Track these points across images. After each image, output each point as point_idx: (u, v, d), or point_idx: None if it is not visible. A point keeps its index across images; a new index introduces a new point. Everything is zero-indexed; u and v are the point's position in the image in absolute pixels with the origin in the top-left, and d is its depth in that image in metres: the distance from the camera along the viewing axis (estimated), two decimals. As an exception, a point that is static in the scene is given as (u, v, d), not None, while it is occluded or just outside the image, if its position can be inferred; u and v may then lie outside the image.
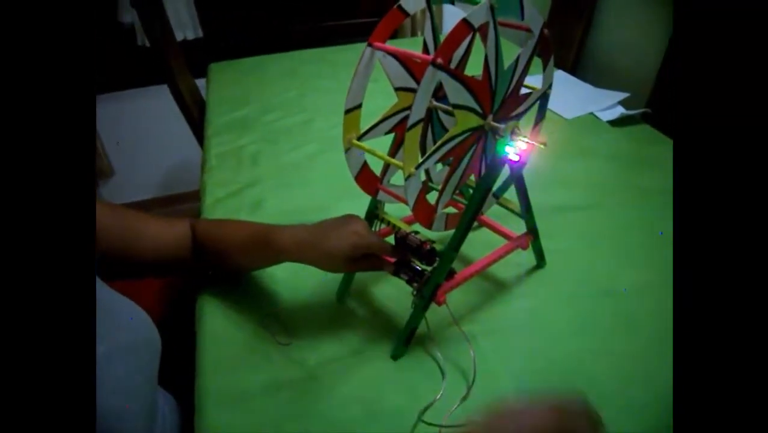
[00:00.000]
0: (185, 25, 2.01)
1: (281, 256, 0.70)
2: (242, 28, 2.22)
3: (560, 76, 1.49)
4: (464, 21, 0.52)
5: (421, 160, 0.56)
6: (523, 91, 0.65)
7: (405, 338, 0.66)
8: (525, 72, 0.62)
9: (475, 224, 0.80)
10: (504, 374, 0.65)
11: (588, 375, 0.65)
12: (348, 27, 2.19)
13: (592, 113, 1.29)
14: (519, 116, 0.65)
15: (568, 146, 1.16)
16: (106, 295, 0.61)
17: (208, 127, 1.35)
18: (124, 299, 0.63)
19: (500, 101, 0.60)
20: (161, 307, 0.97)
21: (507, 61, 0.59)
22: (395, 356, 0.67)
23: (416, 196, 0.58)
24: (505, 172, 0.68)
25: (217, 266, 0.77)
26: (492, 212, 0.78)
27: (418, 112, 0.52)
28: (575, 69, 1.76)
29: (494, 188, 0.73)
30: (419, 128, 0.53)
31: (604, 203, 0.96)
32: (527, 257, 0.80)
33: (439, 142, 0.56)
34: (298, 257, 0.68)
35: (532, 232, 0.74)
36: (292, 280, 0.79)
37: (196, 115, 1.63)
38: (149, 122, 2.19)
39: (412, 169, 0.55)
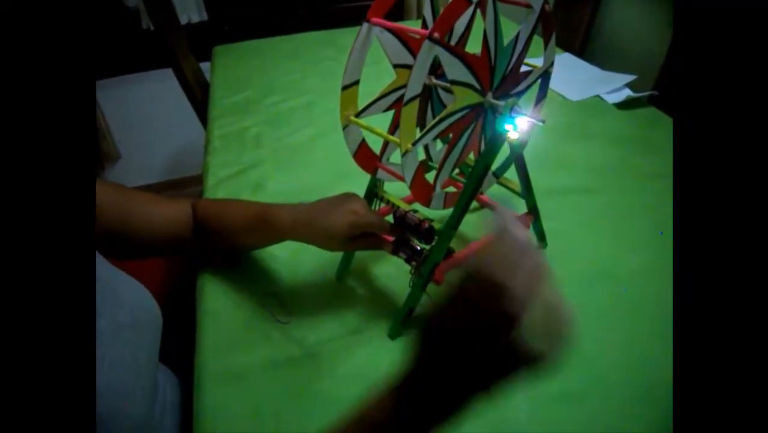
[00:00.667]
0: (190, 9, 2.00)
1: (280, 234, 0.69)
2: (247, 11, 2.20)
3: (567, 58, 1.48)
4: (462, -6, 0.51)
5: (418, 136, 0.55)
6: (525, 69, 0.64)
7: (403, 318, 0.66)
8: (525, 49, 0.61)
9: (476, 204, 0.80)
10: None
11: (587, 358, 0.64)
12: (353, 10, 2.18)
13: (598, 96, 1.28)
14: (519, 94, 0.64)
15: (573, 128, 1.14)
16: (108, 272, 0.61)
17: (211, 110, 1.34)
18: (126, 276, 0.63)
19: (500, 78, 0.59)
20: (164, 286, 0.97)
21: (508, 39, 0.58)
22: (392, 336, 0.67)
23: (413, 173, 0.57)
24: (506, 151, 0.67)
25: (217, 246, 0.77)
26: (493, 194, 0.77)
27: (414, 88, 0.51)
28: (582, 51, 1.74)
29: (495, 168, 0.72)
30: (416, 104, 0.52)
31: (606, 186, 0.95)
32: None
33: (436, 119, 0.55)
34: (297, 235, 0.68)
35: (533, 212, 0.73)
36: (292, 259, 0.79)
37: (200, 97, 1.63)
38: (155, 106, 2.19)
39: (409, 146, 0.54)
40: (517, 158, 0.66)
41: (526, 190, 0.70)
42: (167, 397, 0.67)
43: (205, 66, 1.68)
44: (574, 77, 1.36)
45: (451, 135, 0.59)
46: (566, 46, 1.52)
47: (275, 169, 1.05)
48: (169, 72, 1.62)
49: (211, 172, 1.05)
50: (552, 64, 0.68)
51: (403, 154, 0.55)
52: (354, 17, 2.10)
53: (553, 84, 1.30)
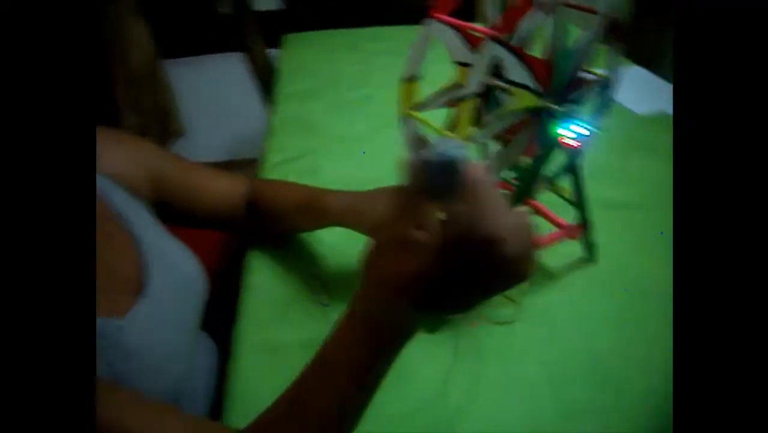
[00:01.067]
0: (266, -4, 2.06)
1: (329, 220, 0.71)
2: (321, 2, 2.25)
3: (636, 71, 1.44)
4: (529, -4, 0.51)
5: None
6: (590, 77, 0.64)
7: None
8: (589, 56, 0.61)
9: (529, 210, 0.80)
10: (532, 359, 0.65)
11: (619, 376, 0.63)
12: (422, 7, 2.19)
13: (665, 111, 1.24)
14: (580, 102, 0.64)
15: (635, 142, 1.12)
16: (159, 236, 0.64)
17: (276, 95, 1.39)
18: (177, 242, 0.67)
19: (560, 83, 0.59)
20: (218, 258, 1.01)
21: (573, 45, 0.58)
22: (431, 329, 0.68)
23: None
24: (563, 158, 0.67)
25: (268, 225, 0.79)
26: (547, 202, 0.77)
27: (472, 85, 0.52)
28: (653, 66, 1.69)
29: (549, 173, 0.72)
30: (473, 102, 0.53)
31: (661, 204, 0.93)
32: (578, 250, 0.78)
33: (493, 118, 0.56)
34: (345, 222, 0.69)
35: (584, 223, 0.72)
36: (339, 245, 0.81)
37: (267, 83, 1.68)
38: (223, 88, 2.26)
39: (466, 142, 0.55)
40: (572, 167, 0.65)
41: (579, 200, 0.69)
42: (203, 361, 0.70)
43: (275, 53, 1.73)
44: (642, 91, 1.32)
45: (505, 136, 0.60)
46: (637, 59, 1.48)
47: (330, 157, 1.07)
48: (239, 56, 1.67)
49: (268, 155, 1.08)
50: (616, 74, 0.67)
51: None
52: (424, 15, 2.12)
53: (620, 96, 1.27)
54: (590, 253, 0.77)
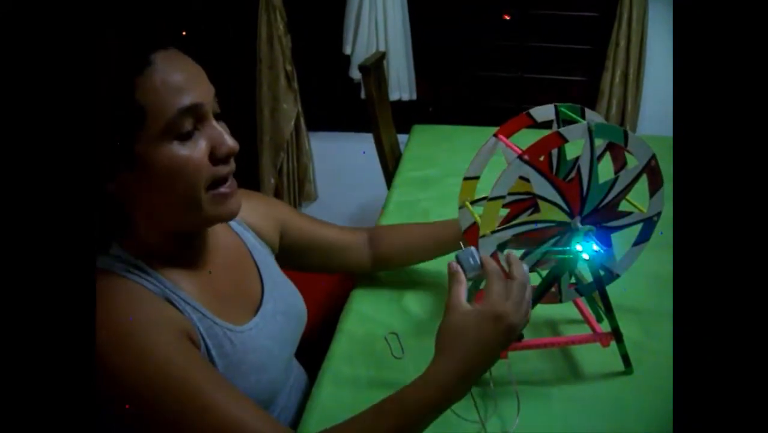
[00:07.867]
0: (403, 88, 2.45)
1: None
2: (451, 100, 2.66)
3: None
4: (557, 133, 0.74)
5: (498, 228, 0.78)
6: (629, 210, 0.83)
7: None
8: (625, 192, 0.81)
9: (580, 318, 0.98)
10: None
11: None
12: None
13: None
14: (614, 228, 0.84)
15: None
16: (276, 273, 0.94)
17: (396, 177, 1.71)
18: (288, 281, 0.97)
19: (591, 208, 0.79)
20: (323, 304, 1.30)
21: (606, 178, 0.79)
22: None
23: (489, 255, 0.78)
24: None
25: (389, 262, 1.10)
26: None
27: (497, 190, 0.75)
28: None
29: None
30: (499, 202, 0.76)
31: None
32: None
33: (516, 221, 0.79)
34: None
35: (615, 333, 0.85)
36: (415, 314, 1.07)
37: (391, 166, 2.00)
38: (355, 163, 2.66)
39: (487, 232, 0.77)
40: (596, 280, 0.83)
41: (606, 311, 0.85)
42: (296, 382, 0.96)
43: (402, 138, 2.09)
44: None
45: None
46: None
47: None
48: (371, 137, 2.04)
49: (379, 230, 1.38)
50: (658, 214, 0.84)
51: (481, 237, 0.78)
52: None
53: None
54: (627, 365, 0.88)
